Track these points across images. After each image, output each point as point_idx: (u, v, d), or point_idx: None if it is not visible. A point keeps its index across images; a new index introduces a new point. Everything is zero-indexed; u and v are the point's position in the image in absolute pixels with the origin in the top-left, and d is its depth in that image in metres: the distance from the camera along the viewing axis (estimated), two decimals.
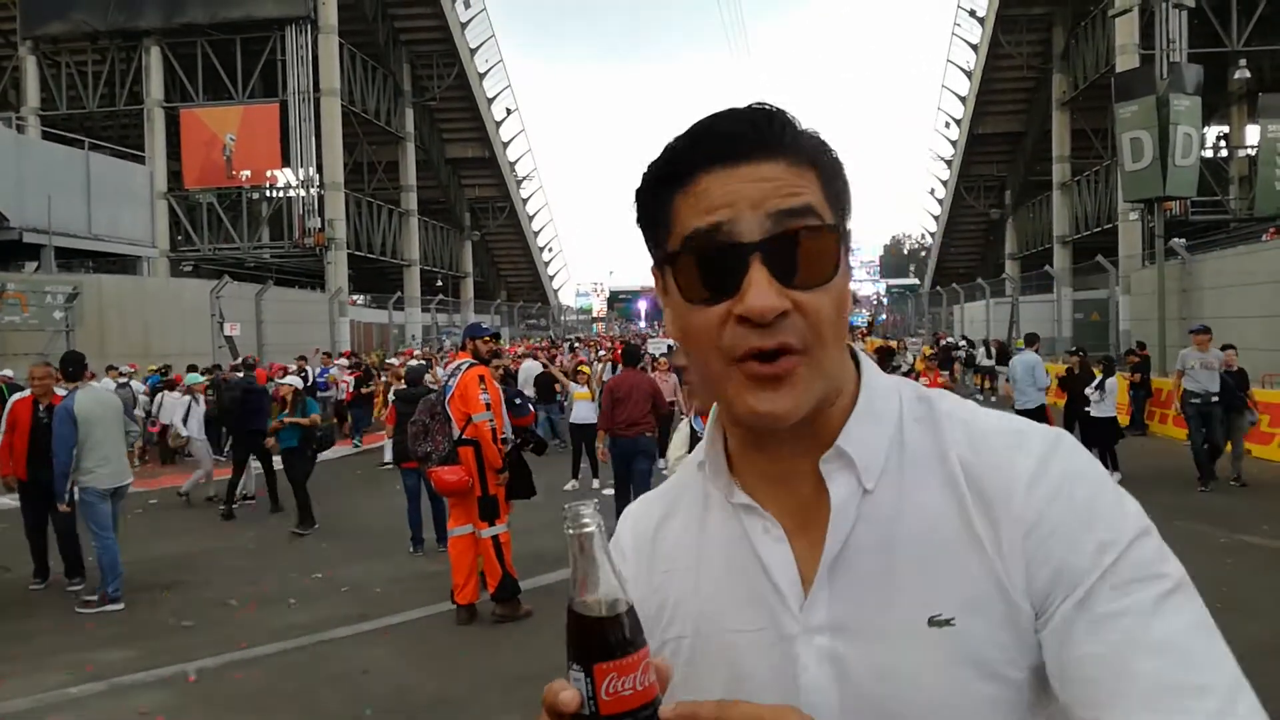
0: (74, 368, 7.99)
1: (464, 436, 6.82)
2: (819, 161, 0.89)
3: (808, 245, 0.85)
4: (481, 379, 6.89)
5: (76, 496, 7.68)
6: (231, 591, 8.02)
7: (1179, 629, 0.80)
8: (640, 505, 1.09)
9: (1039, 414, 11.22)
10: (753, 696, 0.84)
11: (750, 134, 0.87)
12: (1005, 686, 0.85)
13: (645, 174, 0.92)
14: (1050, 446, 0.88)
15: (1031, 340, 12.69)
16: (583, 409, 12.97)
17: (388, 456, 12.94)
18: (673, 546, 1.01)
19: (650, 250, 0.95)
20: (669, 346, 22.34)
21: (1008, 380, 13.18)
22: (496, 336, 7.67)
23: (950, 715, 0.85)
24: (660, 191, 0.91)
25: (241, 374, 12.99)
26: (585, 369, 14.76)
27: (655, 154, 0.93)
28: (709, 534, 0.98)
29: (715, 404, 0.99)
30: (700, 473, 1.02)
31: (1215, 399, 11.06)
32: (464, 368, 7.03)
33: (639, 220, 0.95)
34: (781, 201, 0.85)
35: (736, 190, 0.85)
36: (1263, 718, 0.78)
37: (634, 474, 9.22)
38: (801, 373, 0.86)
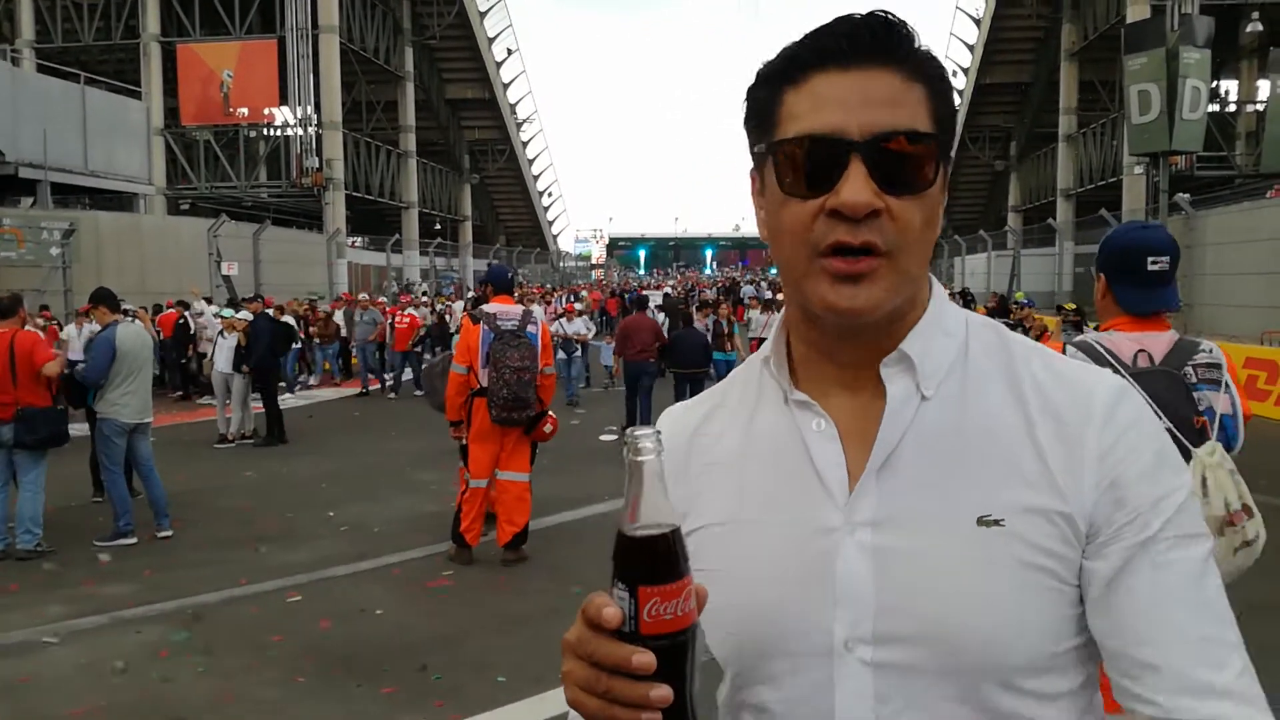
0: (111, 302, 8.08)
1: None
2: (930, 79, 0.91)
3: (908, 152, 0.87)
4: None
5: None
6: (232, 529, 8.08)
7: (1216, 589, 0.88)
8: (682, 406, 1.12)
9: None
10: (784, 581, 0.92)
11: (867, 40, 0.89)
12: (1047, 594, 0.88)
13: (759, 70, 0.95)
14: (1123, 389, 0.93)
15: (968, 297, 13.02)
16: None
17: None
18: (715, 441, 1.03)
19: (752, 148, 0.96)
20: (664, 295, 27.24)
21: None
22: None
23: (986, 612, 0.87)
24: (772, 87, 0.93)
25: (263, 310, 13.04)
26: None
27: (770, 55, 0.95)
28: (758, 429, 1.01)
29: (784, 308, 1.02)
30: (756, 371, 1.05)
31: None
32: (539, 316, 7.18)
33: (746, 119, 0.97)
34: (888, 110, 0.87)
35: (846, 92, 0.88)
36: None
37: (639, 388, 12.21)
38: (882, 273, 0.88)
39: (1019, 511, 0.88)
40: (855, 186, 0.85)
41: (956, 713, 0.88)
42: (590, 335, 17.66)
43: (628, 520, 0.75)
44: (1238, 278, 17.10)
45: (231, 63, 31.69)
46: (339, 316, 19.14)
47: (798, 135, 0.88)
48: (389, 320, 17.44)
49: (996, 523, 0.88)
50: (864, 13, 0.90)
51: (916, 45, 0.91)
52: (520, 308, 7.13)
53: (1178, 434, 2.40)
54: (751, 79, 0.95)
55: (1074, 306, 10.81)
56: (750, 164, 0.98)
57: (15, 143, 20.46)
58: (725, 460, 1.01)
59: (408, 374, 17.89)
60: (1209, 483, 2.34)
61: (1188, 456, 2.37)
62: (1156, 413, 2.42)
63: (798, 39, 0.92)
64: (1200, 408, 2.51)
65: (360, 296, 20.21)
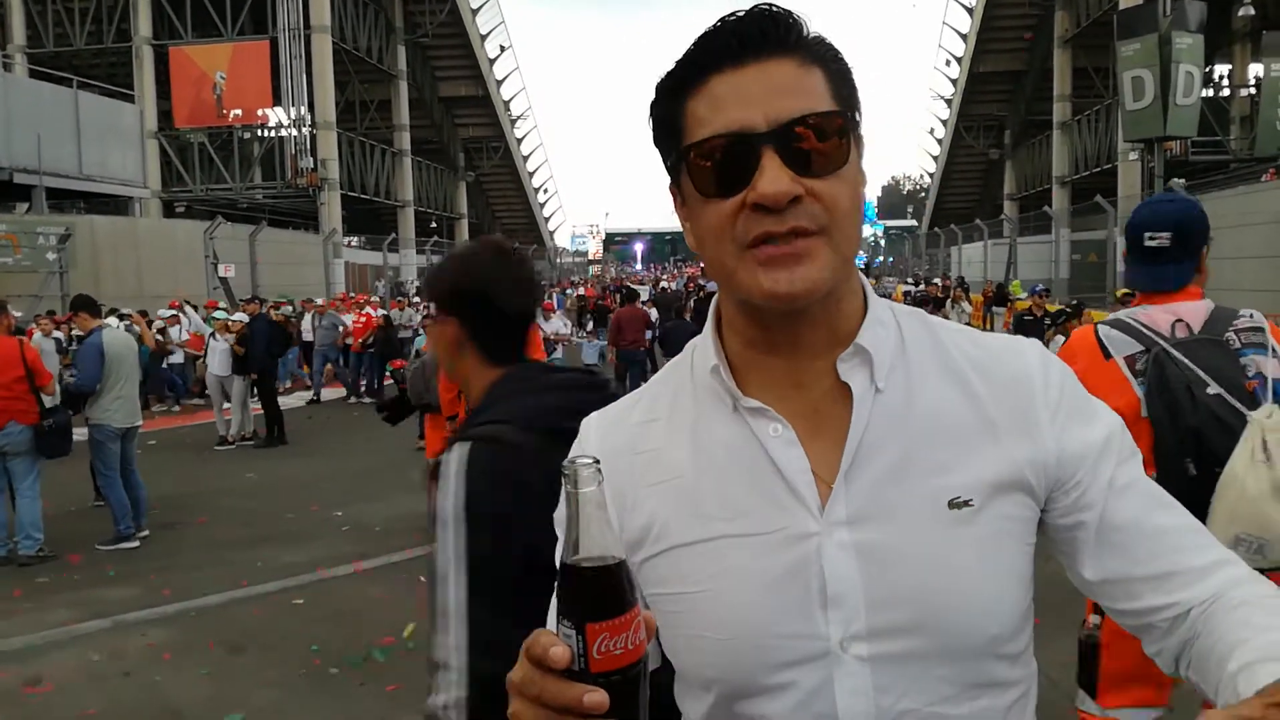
0: (93, 308, 8.12)
1: None
2: (826, 62, 0.91)
3: (818, 132, 0.88)
4: None
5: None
6: (233, 531, 8.09)
7: (1159, 488, 0.98)
8: (607, 419, 1.07)
9: None
10: (767, 593, 0.91)
11: (757, 35, 0.89)
12: (1021, 560, 0.94)
13: (658, 85, 0.94)
14: (1038, 347, 1.01)
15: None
16: None
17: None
18: (660, 458, 0.99)
19: (665, 164, 0.96)
20: (662, 290, 28.04)
21: None
22: None
23: (972, 591, 0.91)
24: (673, 98, 0.93)
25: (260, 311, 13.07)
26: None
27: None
28: (707, 440, 0.98)
29: (716, 308, 1.01)
30: (688, 380, 1.02)
31: None
32: None
33: (655, 137, 0.96)
34: (790, 95, 0.88)
35: (746, 87, 0.88)
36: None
37: (630, 375, 13.11)
38: (818, 250, 0.88)
39: (984, 488, 0.92)
40: (771, 177, 0.85)
41: (950, 689, 0.91)
42: (569, 333, 17.43)
43: (571, 553, 0.72)
44: (1234, 261, 17.09)
45: (224, 64, 31.65)
46: (307, 320, 18.03)
47: (706, 138, 0.89)
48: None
49: (966, 503, 0.91)
50: (748, 8, 0.91)
51: (805, 32, 0.91)
52: None
53: (1231, 399, 2.34)
54: (653, 94, 0.95)
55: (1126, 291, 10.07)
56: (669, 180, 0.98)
57: (9, 148, 20.41)
58: (676, 476, 0.97)
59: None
60: (1270, 445, 2.29)
61: (1244, 422, 2.31)
62: (1206, 381, 2.37)
63: (689, 46, 0.92)
64: (1249, 373, 2.44)
65: (317, 301, 19.16)
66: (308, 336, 17.72)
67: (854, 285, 0.98)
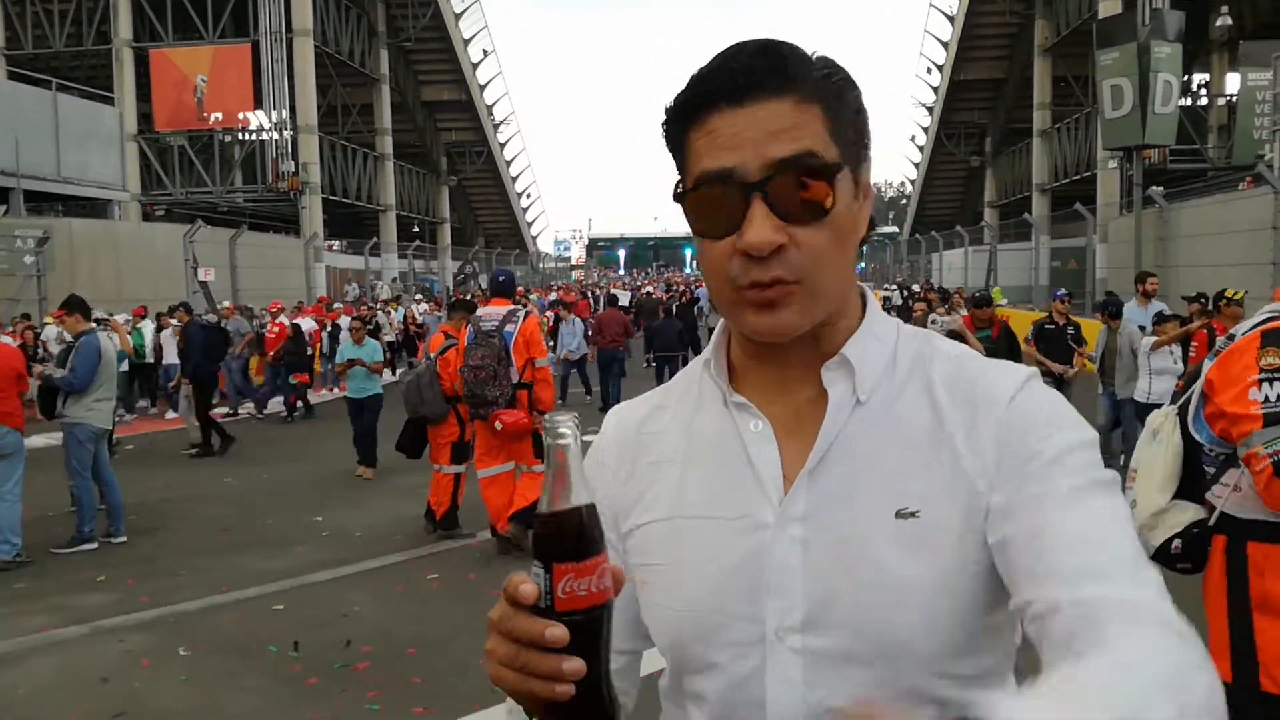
0: (85, 310, 8.10)
1: (522, 380, 7.11)
2: (825, 96, 0.93)
3: (801, 181, 0.90)
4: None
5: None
6: (211, 537, 8.03)
7: (1105, 509, 0.89)
8: (627, 405, 1.16)
9: None
10: (721, 574, 0.97)
11: (756, 74, 0.91)
12: (961, 578, 0.92)
13: (666, 108, 0.98)
14: (1028, 379, 0.97)
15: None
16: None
17: None
18: (661, 439, 1.07)
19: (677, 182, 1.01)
20: (646, 294, 29.14)
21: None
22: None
23: (906, 602, 0.91)
24: (677, 127, 0.97)
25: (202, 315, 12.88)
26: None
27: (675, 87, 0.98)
28: (700, 429, 1.05)
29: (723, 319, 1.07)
30: (698, 374, 1.10)
31: None
32: (522, 315, 7.35)
33: (668, 148, 1.01)
34: (782, 143, 0.90)
35: (742, 131, 0.91)
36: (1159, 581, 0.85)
37: (610, 372, 14.45)
38: (797, 297, 0.93)
39: (932, 501, 0.92)
40: (756, 228, 0.89)
41: (882, 696, 0.91)
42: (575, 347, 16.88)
43: (548, 500, 0.79)
44: (1213, 269, 17.24)
45: (205, 67, 31.45)
46: (232, 325, 15.84)
47: (700, 178, 0.93)
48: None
49: (913, 514, 0.92)
50: (753, 43, 0.93)
51: (806, 68, 0.93)
52: (505, 309, 7.34)
53: None
54: (662, 114, 0.98)
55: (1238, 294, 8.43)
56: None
57: None
58: (668, 458, 1.05)
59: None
60: None
61: None
62: None
63: (695, 73, 0.96)
64: None
65: (222, 304, 17.29)
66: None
67: (848, 305, 1.01)
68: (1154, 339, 8.35)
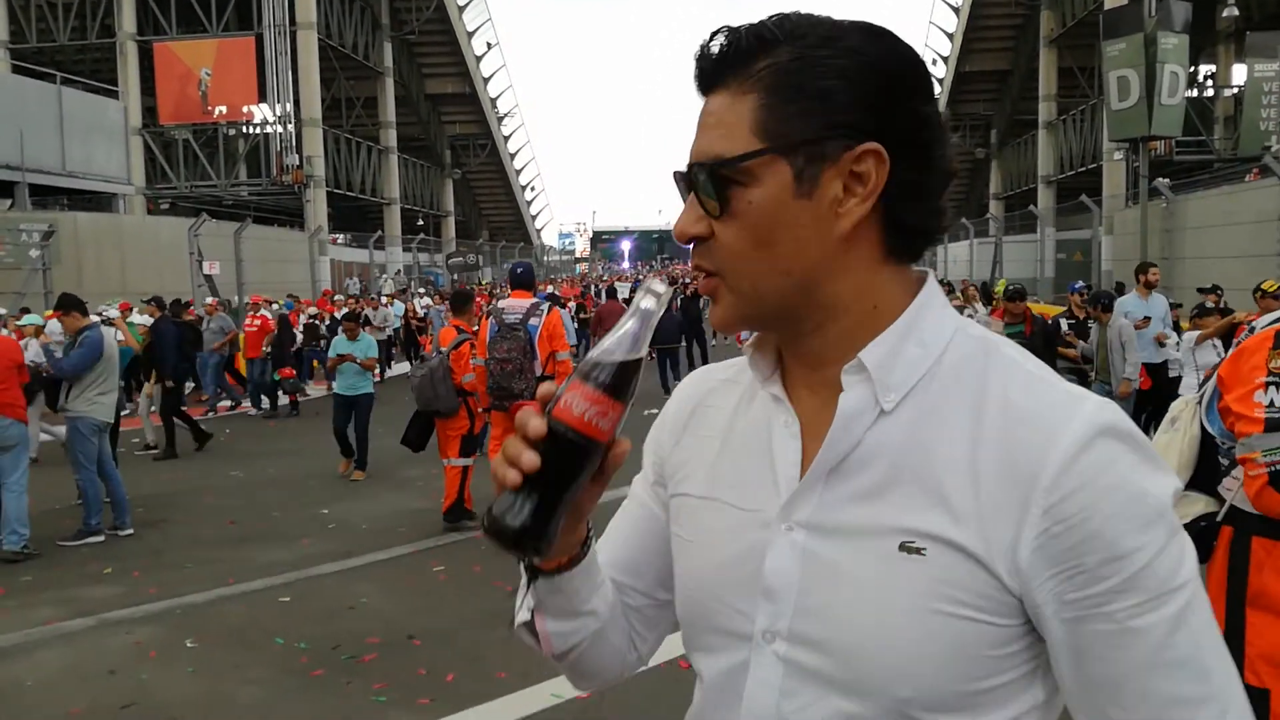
0: (82, 307, 8.09)
1: (545, 373, 7.15)
2: (771, 81, 0.88)
3: (713, 175, 0.90)
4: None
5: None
6: (218, 529, 8.05)
7: (1189, 642, 0.82)
8: (703, 372, 1.16)
9: None
10: (723, 566, 0.98)
11: (707, 68, 0.92)
12: (960, 634, 0.85)
13: None
14: (1100, 430, 0.82)
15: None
16: None
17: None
18: (715, 415, 1.08)
19: None
20: (629, 289, 28.38)
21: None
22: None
23: (889, 641, 0.86)
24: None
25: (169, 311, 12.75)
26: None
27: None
28: (744, 415, 1.04)
29: None
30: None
31: None
32: (545, 309, 7.38)
33: None
34: (707, 133, 0.91)
35: (699, 122, 0.93)
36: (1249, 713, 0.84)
37: None
38: (721, 292, 0.94)
39: (942, 545, 0.84)
40: (679, 217, 0.94)
41: None
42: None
43: (609, 341, 0.87)
44: (1219, 261, 17.21)
45: (209, 61, 31.46)
46: (216, 323, 15.22)
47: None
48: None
49: (918, 551, 0.85)
50: (721, 30, 0.92)
51: (759, 52, 0.88)
52: (528, 302, 7.37)
53: None
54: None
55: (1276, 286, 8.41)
56: None
57: None
58: (712, 436, 1.06)
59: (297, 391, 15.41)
60: None
61: None
62: None
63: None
64: None
65: (206, 300, 16.36)
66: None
67: (860, 303, 0.91)
68: (1196, 333, 8.30)
